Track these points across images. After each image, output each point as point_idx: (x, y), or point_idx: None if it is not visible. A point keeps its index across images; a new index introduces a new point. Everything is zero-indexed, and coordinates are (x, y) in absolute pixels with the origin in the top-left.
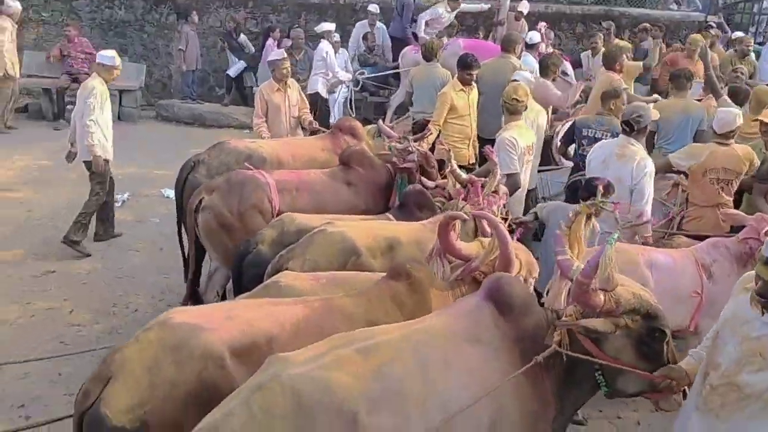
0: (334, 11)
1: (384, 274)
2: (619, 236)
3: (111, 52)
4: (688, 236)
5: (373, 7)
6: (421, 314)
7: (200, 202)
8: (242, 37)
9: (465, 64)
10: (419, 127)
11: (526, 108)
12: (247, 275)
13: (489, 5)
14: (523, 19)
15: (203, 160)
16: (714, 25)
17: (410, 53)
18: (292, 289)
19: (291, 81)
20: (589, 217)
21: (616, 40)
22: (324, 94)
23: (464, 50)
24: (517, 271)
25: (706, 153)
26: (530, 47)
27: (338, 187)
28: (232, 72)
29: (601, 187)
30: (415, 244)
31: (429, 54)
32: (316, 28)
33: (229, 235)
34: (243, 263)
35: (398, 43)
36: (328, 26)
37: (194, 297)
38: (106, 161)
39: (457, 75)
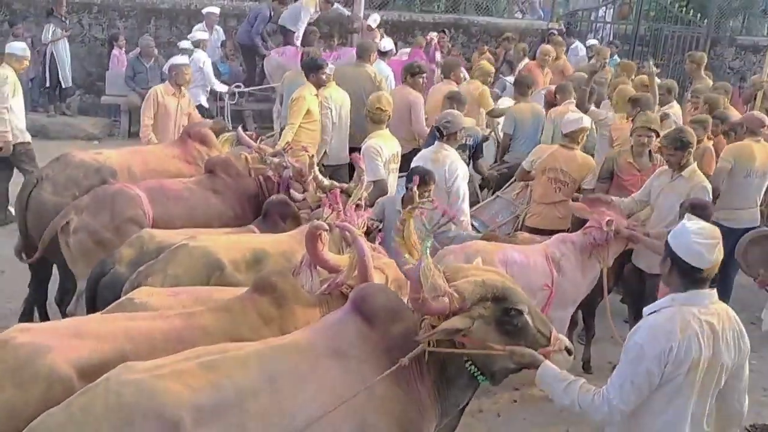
0: (186, 17)
1: (246, 289)
2: (431, 243)
3: (22, 44)
4: (533, 232)
5: (214, 9)
6: (289, 328)
7: (68, 224)
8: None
9: (314, 67)
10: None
11: (389, 117)
12: (101, 298)
13: (349, 12)
14: (375, 29)
15: (47, 176)
16: (556, 32)
17: (274, 56)
18: (147, 306)
19: (184, 89)
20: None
21: (484, 61)
22: (206, 104)
23: None
24: None
25: (548, 152)
26: (383, 54)
27: (206, 195)
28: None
29: (415, 187)
30: (282, 256)
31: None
32: (189, 36)
33: (106, 252)
34: (98, 285)
35: (246, 50)
36: (202, 35)
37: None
38: (28, 142)
39: (309, 79)
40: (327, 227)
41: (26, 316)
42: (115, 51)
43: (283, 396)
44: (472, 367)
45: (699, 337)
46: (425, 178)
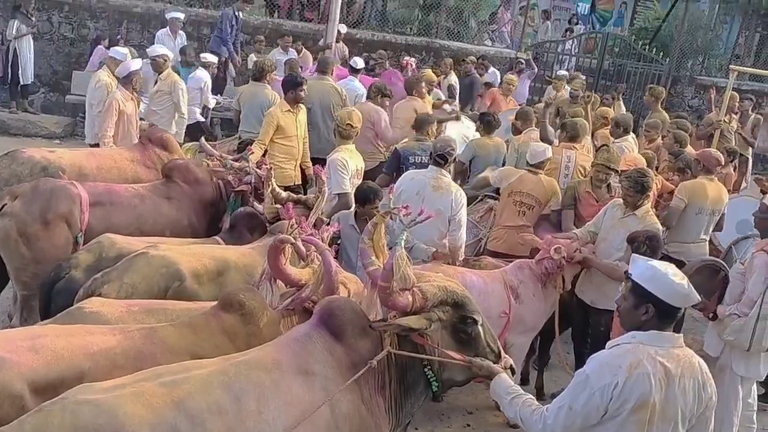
0: (158, 22)
1: (206, 303)
2: (407, 236)
3: None
4: (494, 255)
5: (178, 14)
6: (254, 344)
7: (1, 208)
8: None
9: (294, 84)
10: (245, 147)
11: (358, 134)
12: (56, 304)
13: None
14: (342, 42)
15: None
16: (523, 61)
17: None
18: (98, 316)
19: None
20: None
21: (428, 70)
22: (202, 118)
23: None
24: None
25: (516, 176)
26: (355, 71)
27: (159, 202)
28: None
29: (391, 195)
30: (244, 268)
31: (258, 73)
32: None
33: (29, 246)
34: (52, 291)
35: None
36: (212, 58)
37: None
38: None
39: (284, 95)
40: (293, 241)
41: None
42: (100, 49)
43: (248, 415)
44: (430, 372)
45: (650, 377)
46: (379, 194)
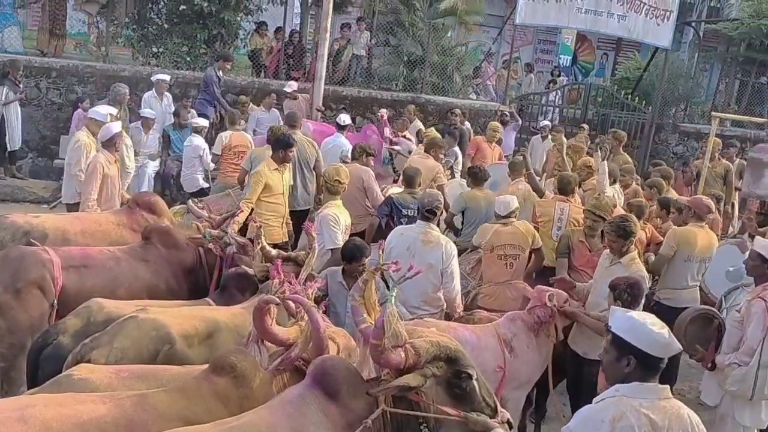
0: (146, 84)
1: (196, 367)
2: (397, 293)
3: None
4: (488, 310)
5: (163, 76)
6: (247, 408)
7: None
8: None
9: (285, 144)
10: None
11: (345, 190)
12: (44, 371)
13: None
14: (300, 97)
15: None
16: (507, 114)
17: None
18: (87, 383)
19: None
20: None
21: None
22: (205, 185)
23: (314, 133)
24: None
25: (491, 232)
26: (342, 128)
27: (135, 265)
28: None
29: (379, 250)
30: (235, 329)
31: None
32: (192, 121)
33: (2, 316)
34: (40, 357)
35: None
36: (204, 122)
37: None
38: None
39: (272, 154)
40: (277, 301)
41: None
42: (79, 112)
43: None
44: (426, 429)
45: (635, 430)
46: (362, 253)
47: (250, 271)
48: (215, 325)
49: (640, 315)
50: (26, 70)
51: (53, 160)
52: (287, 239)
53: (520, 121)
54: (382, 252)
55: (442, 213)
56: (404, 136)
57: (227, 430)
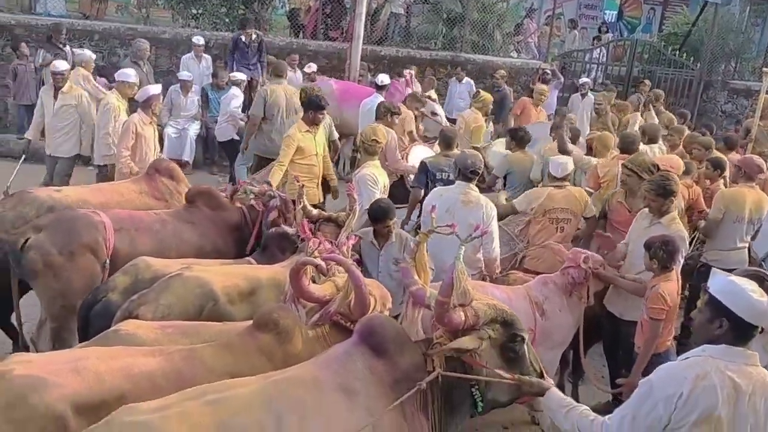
0: (186, 47)
1: (239, 323)
2: (464, 250)
3: (131, 71)
4: (526, 272)
5: (197, 39)
6: (291, 363)
7: (26, 241)
8: None
9: (316, 106)
10: None
11: (381, 150)
12: (94, 327)
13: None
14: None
15: None
16: (549, 72)
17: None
18: (134, 338)
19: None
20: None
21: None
22: (236, 137)
23: (337, 92)
24: (372, 308)
25: (544, 195)
26: (380, 88)
27: (181, 227)
28: None
29: (433, 213)
30: (276, 287)
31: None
32: (231, 75)
33: (57, 277)
34: (90, 314)
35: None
36: (242, 76)
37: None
38: None
39: (303, 116)
40: (317, 262)
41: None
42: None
43: None
44: (477, 392)
45: (717, 391)
46: (387, 215)
47: (291, 231)
48: (257, 282)
49: (741, 280)
50: (69, 33)
51: None
52: (323, 200)
53: (563, 80)
54: (434, 215)
55: (482, 174)
56: (429, 97)
57: (273, 383)
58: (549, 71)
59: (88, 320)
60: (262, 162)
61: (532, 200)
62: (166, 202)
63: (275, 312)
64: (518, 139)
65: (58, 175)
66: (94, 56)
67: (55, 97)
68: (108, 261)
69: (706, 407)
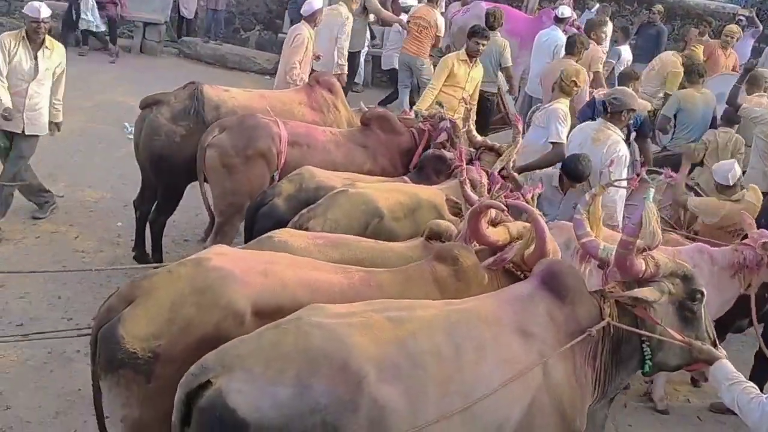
0: None
1: (384, 242)
2: (654, 193)
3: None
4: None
5: None
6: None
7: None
8: None
9: (473, 32)
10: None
11: (578, 94)
12: (259, 226)
13: None
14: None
15: (167, 101)
16: (744, 18)
17: (458, 18)
18: (285, 246)
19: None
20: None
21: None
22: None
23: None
24: None
25: (722, 213)
26: (560, 21)
27: (353, 149)
28: None
29: (611, 168)
30: (434, 209)
31: (493, 23)
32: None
33: (230, 177)
34: (257, 214)
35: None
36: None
37: None
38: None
39: (467, 43)
40: (502, 206)
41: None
42: None
43: (465, 365)
44: (647, 348)
45: None
46: (581, 177)
47: (448, 154)
48: (418, 201)
49: None
50: None
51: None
52: None
53: (761, 27)
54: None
55: (623, 116)
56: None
57: (456, 312)
58: (745, 17)
59: (254, 220)
60: None
61: (708, 214)
62: (323, 114)
63: (458, 249)
64: (690, 72)
65: None
66: None
67: None
68: (278, 172)
69: None
